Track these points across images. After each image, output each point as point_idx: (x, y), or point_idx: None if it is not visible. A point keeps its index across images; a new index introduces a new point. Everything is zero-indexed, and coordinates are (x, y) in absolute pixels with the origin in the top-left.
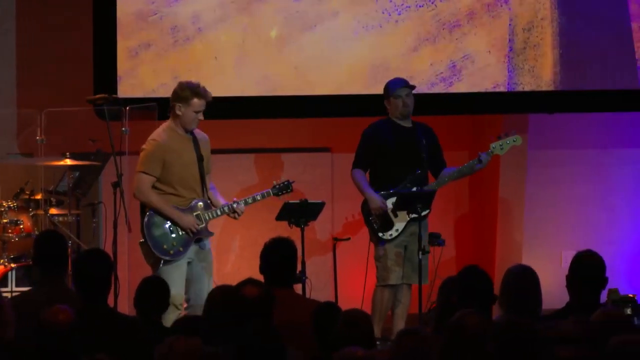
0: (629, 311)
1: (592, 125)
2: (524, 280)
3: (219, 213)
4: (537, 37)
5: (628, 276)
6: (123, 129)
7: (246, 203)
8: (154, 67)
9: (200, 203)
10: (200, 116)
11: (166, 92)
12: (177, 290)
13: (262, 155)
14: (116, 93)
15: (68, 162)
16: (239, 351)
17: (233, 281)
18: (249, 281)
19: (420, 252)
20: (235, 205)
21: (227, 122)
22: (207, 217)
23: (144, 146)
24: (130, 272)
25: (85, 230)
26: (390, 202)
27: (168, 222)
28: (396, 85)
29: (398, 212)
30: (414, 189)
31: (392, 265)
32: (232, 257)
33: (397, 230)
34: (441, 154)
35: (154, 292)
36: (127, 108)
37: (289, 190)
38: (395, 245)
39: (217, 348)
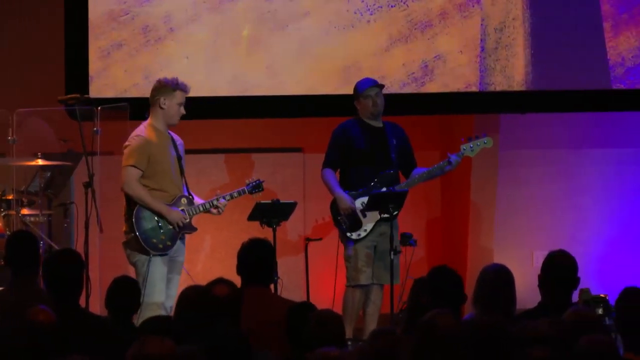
0: (600, 311)
1: (563, 125)
2: (499, 279)
3: (201, 209)
4: (508, 37)
5: (598, 276)
6: (95, 129)
7: (230, 197)
8: (125, 67)
9: (184, 199)
10: (182, 110)
11: (138, 92)
12: (162, 288)
13: (233, 156)
14: (88, 93)
15: (40, 162)
16: (206, 351)
17: (204, 281)
18: (219, 280)
19: (392, 252)
20: (219, 201)
21: (198, 122)
22: (192, 213)
23: (127, 143)
24: (101, 272)
25: (56, 231)
26: (359, 202)
27: (156, 216)
28: (365, 85)
29: (367, 212)
30: (384, 189)
31: (362, 265)
32: (203, 257)
33: (365, 230)
34: (412, 154)
35: (125, 292)
36: (99, 108)
37: (260, 189)
38: (364, 245)
39: (190, 348)
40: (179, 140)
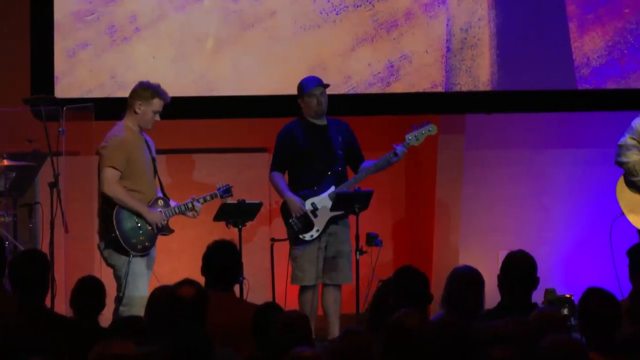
0: (565, 311)
1: (529, 125)
2: (469, 281)
3: (177, 211)
4: (474, 38)
5: (564, 276)
6: (60, 129)
7: (204, 201)
8: (91, 67)
9: (161, 200)
10: (158, 117)
11: (103, 92)
12: (144, 287)
13: (198, 156)
14: (53, 93)
15: (5, 162)
16: (169, 351)
17: (170, 282)
18: (186, 281)
19: (358, 252)
20: (194, 203)
21: (164, 122)
22: (169, 214)
23: (105, 143)
24: (67, 272)
25: (22, 231)
26: (309, 203)
27: (136, 217)
28: (311, 83)
29: (317, 212)
30: (332, 187)
31: (308, 266)
32: (169, 258)
33: (317, 230)
34: (359, 149)
35: (90, 292)
36: (64, 108)
37: (230, 194)
38: (315, 246)
39: (153, 348)
40: (150, 140)
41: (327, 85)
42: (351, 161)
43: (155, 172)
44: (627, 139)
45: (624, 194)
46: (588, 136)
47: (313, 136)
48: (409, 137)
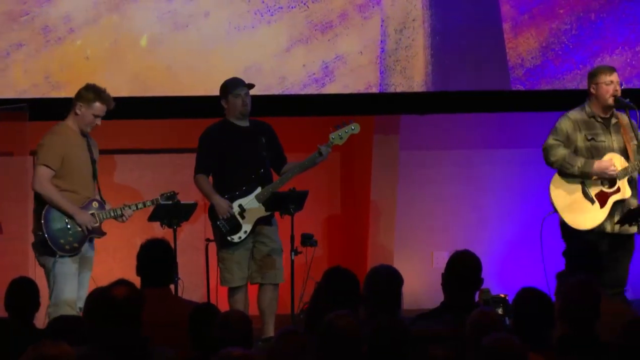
0: (500, 311)
1: (463, 126)
2: (388, 280)
3: (111, 214)
4: (408, 39)
5: (498, 276)
6: None
7: (136, 208)
8: (25, 67)
9: (95, 202)
10: (98, 121)
11: (37, 92)
12: (71, 288)
13: (132, 157)
14: None
15: None
16: (104, 352)
17: (105, 282)
18: (120, 282)
19: (293, 253)
20: (125, 209)
21: None
22: (101, 217)
23: (41, 141)
24: (1, 273)
25: None
26: (236, 205)
27: (66, 217)
28: (236, 84)
29: (245, 214)
30: (259, 188)
31: (237, 268)
32: (105, 258)
33: (245, 232)
34: (281, 150)
35: (24, 292)
36: None
37: (175, 200)
38: (243, 247)
39: (87, 349)
40: (93, 141)
41: (251, 86)
42: (274, 162)
43: (95, 173)
44: (549, 141)
45: (557, 192)
46: (522, 137)
47: (236, 138)
48: (333, 136)
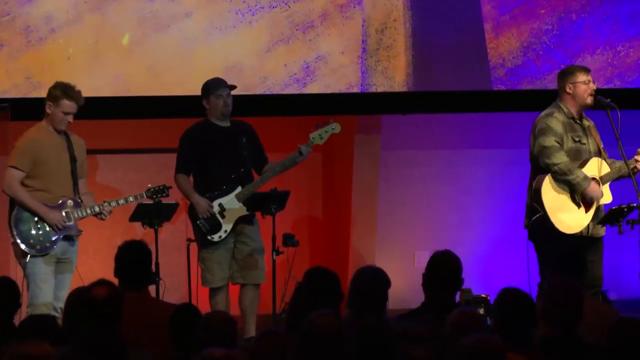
0: (481, 311)
1: (444, 126)
2: (374, 280)
3: (88, 212)
4: (390, 39)
5: (479, 276)
6: None
7: (117, 204)
8: (6, 67)
9: (70, 201)
10: (70, 118)
11: (19, 92)
12: (45, 287)
13: (114, 157)
14: None
15: None
16: (83, 351)
17: (86, 282)
18: (100, 282)
19: (275, 252)
20: (104, 205)
21: (80, 123)
22: (76, 216)
23: (15, 143)
24: None
25: None
26: (216, 204)
27: (36, 217)
28: (218, 84)
29: (225, 214)
30: (239, 187)
31: (217, 268)
32: (85, 258)
33: (225, 231)
34: (262, 150)
35: (3, 292)
36: None
37: (164, 195)
38: (224, 247)
39: (67, 349)
40: (78, 139)
41: (233, 87)
42: (255, 162)
43: (74, 172)
44: (550, 141)
45: (549, 195)
46: (504, 137)
47: (217, 138)
48: (313, 135)
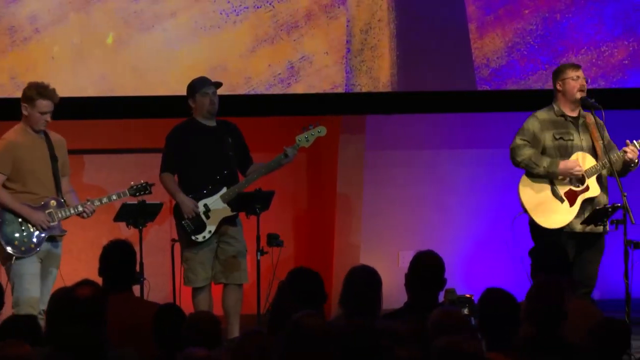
0: (466, 311)
1: (430, 126)
2: (367, 281)
3: (71, 212)
4: (374, 39)
5: (464, 276)
6: None
7: (101, 202)
8: None
9: (53, 201)
10: (47, 117)
11: (3, 92)
12: (31, 287)
13: (99, 157)
14: None
15: None
16: (66, 351)
17: (68, 283)
18: (84, 282)
19: (259, 253)
20: (87, 204)
21: (64, 123)
22: (60, 216)
23: None
24: None
25: None
26: (201, 205)
27: (20, 219)
28: (204, 83)
29: (209, 214)
30: (224, 188)
31: (200, 268)
32: (69, 259)
33: (209, 231)
34: (247, 151)
35: None
36: None
37: (147, 192)
38: (206, 247)
39: (48, 349)
40: (58, 139)
41: (219, 85)
42: (240, 163)
43: (55, 172)
44: (516, 141)
45: (526, 193)
46: (488, 137)
47: (203, 137)
48: (299, 138)
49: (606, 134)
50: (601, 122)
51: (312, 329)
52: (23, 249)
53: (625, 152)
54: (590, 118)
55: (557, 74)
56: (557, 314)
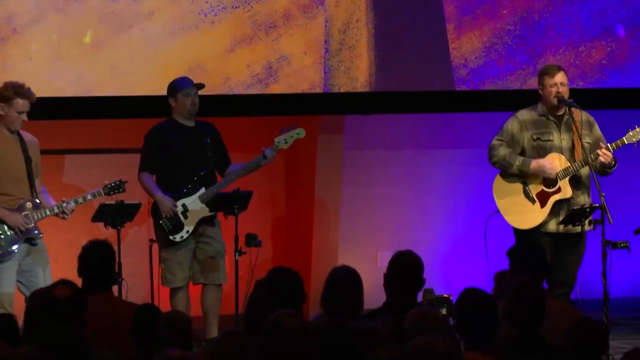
0: (444, 311)
1: (408, 126)
2: (348, 281)
3: (47, 213)
4: (352, 39)
5: (442, 276)
6: None
7: (76, 202)
8: None
9: (29, 203)
10: (24, 117)
11: None
12: (6, 290)
13: (77, 157)
14: None
15: None
16: (44, 351)
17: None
18: (62, 282)
19: (237, 253)
20: (64, 205)
21: (41, 123)
22: (36, 217)
23: None
24: None
25: None
26: (180, 204)
27: None
28: (186, 83)
29: (187, 214)
30: (202, 188)
31: (178, 268)
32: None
33: (187, 231)
34: (226, 152)
35: None
36: None
37: (121, 190)
38: (185, 247)
39: (28, 348)
40: (31, 139)
41: (201, 86)
42: (218, 164)
43: (30, 172)
44: (493, 141)
45: (501, 193)
46: (466, 137)
47: (182, 137)
48: (278, 140)
49: (597, 131)
50: (588, 119)
51: (290, 328)
52: (0, 252)
53: (598, 155)
54: (578, 115)
55: (539, 77)
56: (537, 314)
